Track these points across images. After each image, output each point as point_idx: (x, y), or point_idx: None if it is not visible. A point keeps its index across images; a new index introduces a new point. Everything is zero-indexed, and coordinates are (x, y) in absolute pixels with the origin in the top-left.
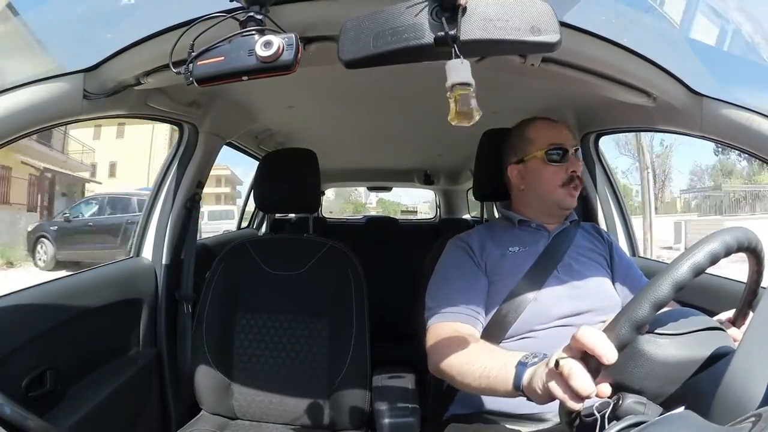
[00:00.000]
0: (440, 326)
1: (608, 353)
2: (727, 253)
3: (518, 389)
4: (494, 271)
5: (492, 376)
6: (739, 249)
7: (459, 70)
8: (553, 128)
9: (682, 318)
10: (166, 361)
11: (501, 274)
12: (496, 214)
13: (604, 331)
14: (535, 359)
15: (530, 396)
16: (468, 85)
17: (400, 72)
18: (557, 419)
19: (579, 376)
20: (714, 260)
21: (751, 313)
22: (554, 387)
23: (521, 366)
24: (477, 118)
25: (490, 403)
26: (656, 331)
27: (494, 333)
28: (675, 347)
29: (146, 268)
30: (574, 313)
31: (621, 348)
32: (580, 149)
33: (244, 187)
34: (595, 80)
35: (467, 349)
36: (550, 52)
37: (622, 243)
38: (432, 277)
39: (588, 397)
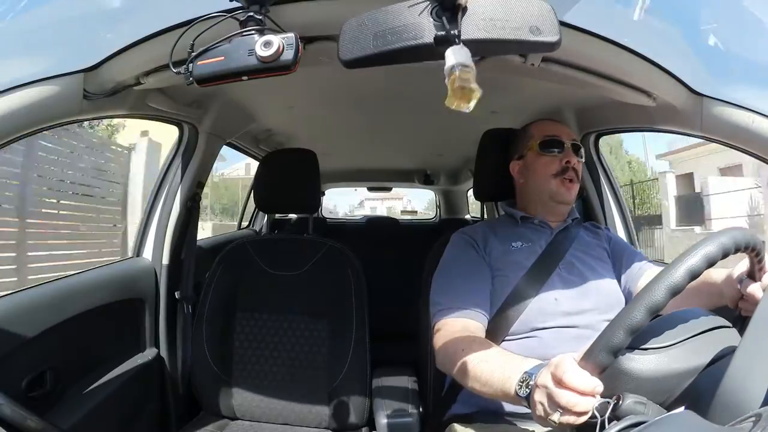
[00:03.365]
0: (448, 323)
1: (589, 391)
2: (714, 261)
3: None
4: (497, 266)
5: (498, 389)
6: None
7: (459, 53)
8: (550, 124)
9: (677, 325)
10: (166, 361)
11: (504, 270)
12: (496, 215)
13: (582, 358)
14: (530, 385)
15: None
16: (467, 67)
17: (400, 72)
18: None
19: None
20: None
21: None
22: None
23: (522, 394)
24: (476, 98)
25: (491, 403)
26: (641, 346)
27: (496, 331)
28: (660, 362)
29: (146, 268)
30: (577, 311)
31: (601, 371)
32: (582, 148)
33: None
34: (595, 80)
35: (476, 352)
36: (550, 51)
37: None
38: (437, 271)
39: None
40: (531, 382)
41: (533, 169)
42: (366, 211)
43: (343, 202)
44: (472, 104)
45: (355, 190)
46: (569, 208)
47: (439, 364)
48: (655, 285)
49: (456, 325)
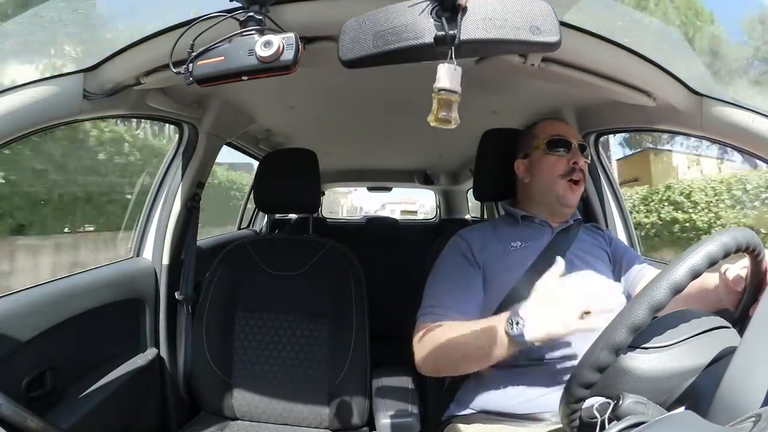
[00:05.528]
0: (427, 326)
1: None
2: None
3: (525, 345)
4: (495, 267)
5: (489, 353)
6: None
7: (450, 75)
8: (557, 123)
9: (678, 324)
10: (166, 361)
11: (503, 270)
12: (496, 215)
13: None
14: (520, 322)
15: (543, 343)
16: (454, 92)
17: (401, 72)
18: (557, 419)
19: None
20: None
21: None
22: (587, 323)
23: (519, 337)
24: (454, 126)
25: (490, 403)
26: (642, 345)
27: None
28: (661, 361)
29: (146, 268)
30: None
31: (601, 371)
32: (587, 148)
33: None
34: (596, 80)
35: (451, 337)
36: (550, 51)
37: None
38: (431, 273)
39: None
40: (520, 323)
41: (539, 169)
42: (386, 212)
43: (368, 204)
44: (453, 125)
45: (355, 190)
46: (572, 210)
47: (418, 363)
48: (657, 283)
49: (433, 328)
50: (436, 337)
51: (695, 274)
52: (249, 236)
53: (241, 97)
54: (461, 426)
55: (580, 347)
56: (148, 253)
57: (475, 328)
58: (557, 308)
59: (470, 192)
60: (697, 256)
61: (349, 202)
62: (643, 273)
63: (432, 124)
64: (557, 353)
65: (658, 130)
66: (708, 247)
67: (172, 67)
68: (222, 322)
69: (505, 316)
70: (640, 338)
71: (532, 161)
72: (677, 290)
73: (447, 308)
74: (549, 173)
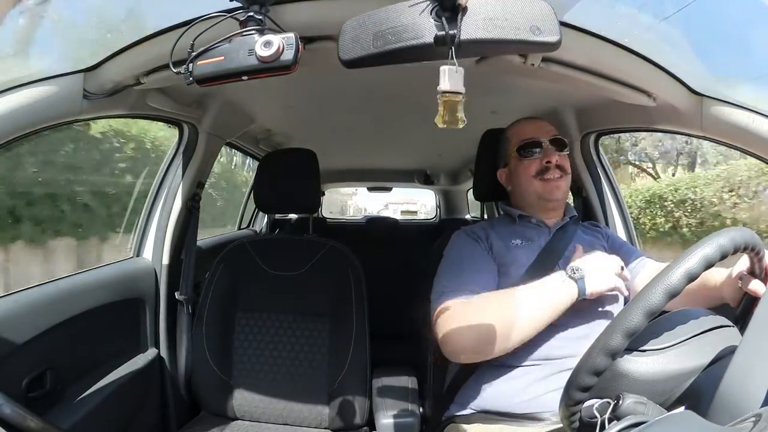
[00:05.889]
0: (452, 303)
1: None
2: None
3: (582, 296)
4: (499, 262)
5: (550, 306)
6: (733, 252)
7: (452, 77)
8: (527, 123)
9: (676, 326)
10: (166, 361)
11: (505, 266)
12: (496, 215)
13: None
14: (577, 272)
15: (594, 296)
16: (458, 93)
17: (400, 72)
18: (557, 419)
19: None
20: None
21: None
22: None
23: (581, 282)
24: (462, 126)
25: (490, 403)
26: (640, 348)
27: None
28: (658, 364)
29: (146, 268)
30: (578, 308)
31: (598, 374)
32: (565, 141)
33: None
34: (595, 80)
35: (494, 307)
36: (550, 51)
37: None
38: (440, 265)
39: None
40: (577, 269)
41: (516, 174)
42: (389, 212)
43: (371, 205)
44: (460, 125)
45: (356, 191)
46: (560, 203)
47: (455, 349)
48: (652, 288)
49: (460, 304)
50: (477, 310)
51: (691, 278)
52: (249, 236)
53: (241, 97)
54: (462, 426)
55: (579, 347)
56: (148, 253)
57: (525, 289)
58: (602, 266)
59: (470, 192)
60: (693, 259)
61: (354, 204)
62: (641, 266)
63: (440, 126)
64: (557, 353)
65: (658, 130)
66: (704, 250)
67: (172, 67)
68: (222, 322)
69: (557, 271)
70: (637, 341)
71: (510, 169)
72: (673, 294)
73: (470, 284)
74: (524, 176)
